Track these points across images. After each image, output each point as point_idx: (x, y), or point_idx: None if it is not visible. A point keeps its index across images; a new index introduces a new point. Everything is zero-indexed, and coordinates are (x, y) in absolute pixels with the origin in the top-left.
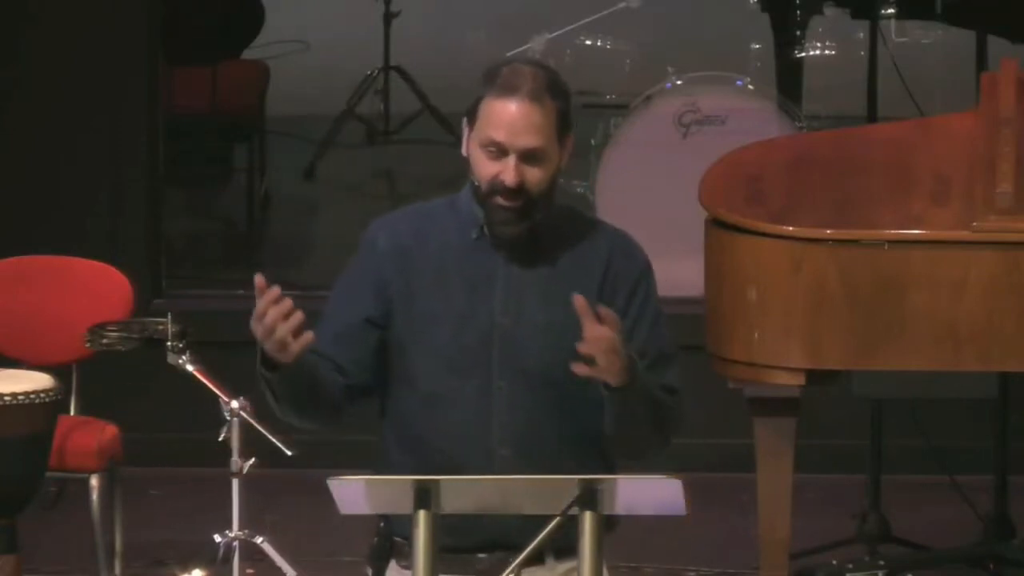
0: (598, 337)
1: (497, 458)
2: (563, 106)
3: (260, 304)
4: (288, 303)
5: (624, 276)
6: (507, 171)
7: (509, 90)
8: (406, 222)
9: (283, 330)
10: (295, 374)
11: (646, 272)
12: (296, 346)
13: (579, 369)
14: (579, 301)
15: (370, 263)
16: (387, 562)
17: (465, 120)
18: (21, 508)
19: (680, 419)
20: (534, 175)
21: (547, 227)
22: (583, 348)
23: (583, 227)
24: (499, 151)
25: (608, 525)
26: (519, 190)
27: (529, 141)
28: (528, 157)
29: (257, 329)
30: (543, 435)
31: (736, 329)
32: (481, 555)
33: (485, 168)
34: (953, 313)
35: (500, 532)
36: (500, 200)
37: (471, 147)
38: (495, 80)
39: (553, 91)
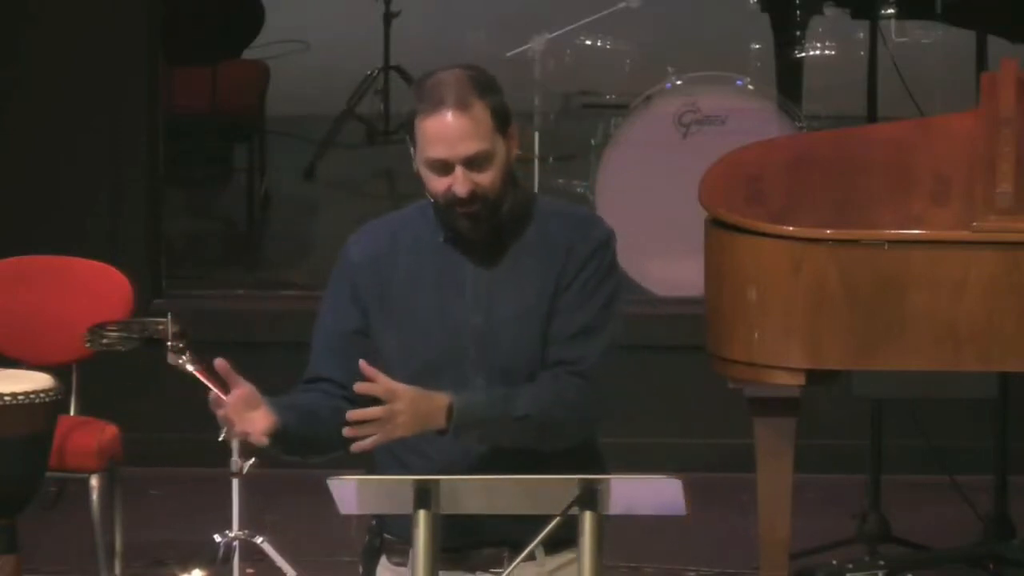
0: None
1: (476, 455)
2: (495, 101)
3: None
4: (239, 395)
5: (579, 253)
6: (456, 183)
7: (435, 105)
8: (380, 230)
9: (238, 430)
10: (283, 440)
11: (601, 247)
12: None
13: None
14: (366, 368)
15: (345, 276)
16: (378, 559)
17: (408, 138)
18: (21, 508)
19: (587, 396)
20: (484, 178)
21: (510, 220)
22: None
23: (545, 214)
24: (443, 167)
25: None
26: (473, 197)
27: (468, 148)
28: (472, 163)
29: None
30: None
31: (736, 329)
32: (471, 551)
33: (435, 184)
34: (953, 313)
35: (489, 528)
36: (459, 209)
37: (418, 166)
38: (422, 97)
39: (480, 90)
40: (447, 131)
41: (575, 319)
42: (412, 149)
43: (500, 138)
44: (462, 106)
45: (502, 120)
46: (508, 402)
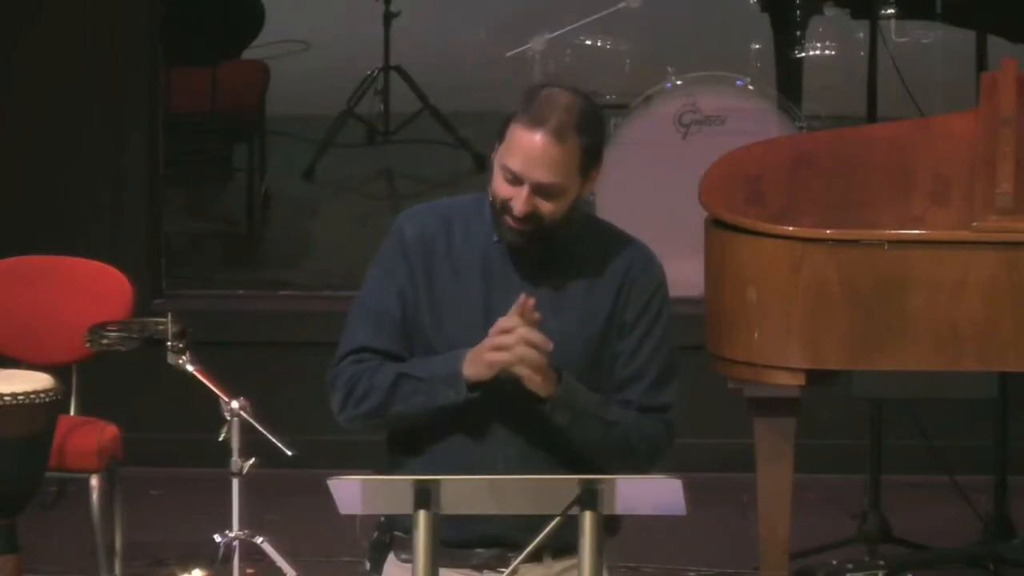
0: (505, 328)
1: (502, 459)
2: (591, 142)
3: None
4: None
5: (638, 290)
6: (518, 199)
7: (535, 121)
8: (431, 215)
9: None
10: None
11: (660, 286)
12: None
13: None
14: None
15: (398, 252)
16: (386, 555)
17: (499, 131)
18: (21, 508)
19: (659, 437)
20: (546, 207)
21: (564, 239)
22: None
23: (602, 238)
24: (514, 178)
25: (611, 530)
26: (526, 218)
27: (543, 176)
28: (541, 191)
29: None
30: (548, 441)
31: (736, 329)
32: (478, 550)
33: (500, 188)
34: (953, 313)
35: (498, 529)
36: (509, 221)
37: (495, 160)
38: (529, 105)
39: (582, 127)
40: (533, 151)
41: (653, 364)
42: (497, 143)
43: (579, 178)
44: (558, 136)
45: (590, 162)
46: (603, 405)
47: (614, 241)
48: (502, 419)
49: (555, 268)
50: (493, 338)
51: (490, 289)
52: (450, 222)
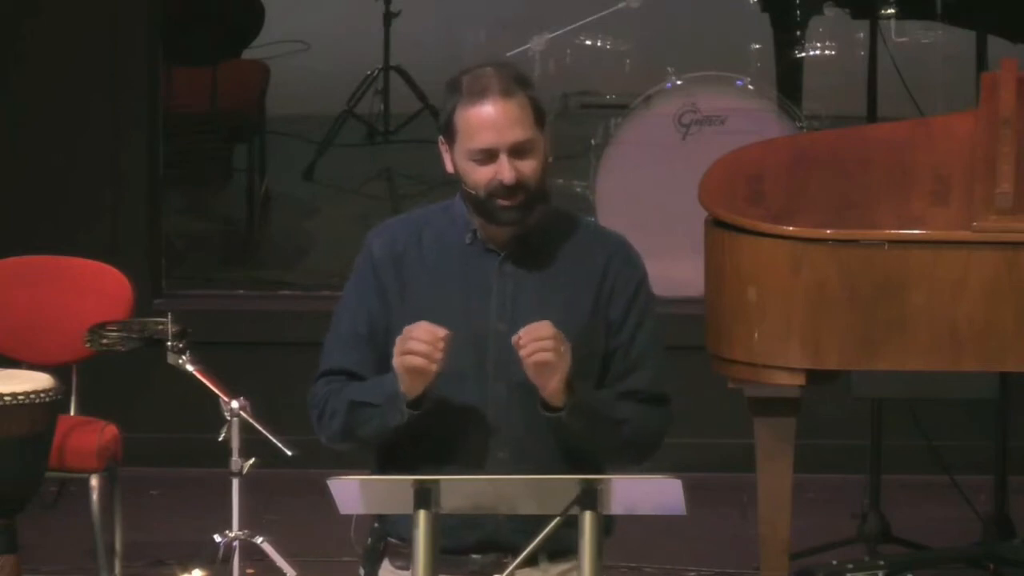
0: (536, 329)
1: (495, 461)
2: (533, 95)
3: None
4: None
5: (622, 283)
6: (502, 170)
7: (479, 95)
8: (401, 228)
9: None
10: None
11: (644, 278)
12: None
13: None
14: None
15: (369, 270)
16: (380, 563)
17: (441, 137)
18: (21, 508)
19: (662, 429)
20: (527, 167)
21: (541, 230)
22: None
23: (579, 231)
24: (488, 156)
25: (605, 530)
26: (517, 186)
27: (515, 135)
28: (517, 151)
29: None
30: (540, 439)
31: (736, 329)
32: (475, 556)
33: (479, 175)
34: (953, 313)
35: (494, 533)
36: (501, 201)
37: (458, 161)
38: (460, 90)
39: (520, 81)
40: (494, 118)
41: (651, 352)
42: (447, 147)
43: (540, 131)
44: (506, 94)
45: (539, 115)
46: (612, 405)
47: (591, 234)
48: (493, 424)
49: (533, 265)
50: (405, 343)
51: (468, 293)
52: (420, 232)
